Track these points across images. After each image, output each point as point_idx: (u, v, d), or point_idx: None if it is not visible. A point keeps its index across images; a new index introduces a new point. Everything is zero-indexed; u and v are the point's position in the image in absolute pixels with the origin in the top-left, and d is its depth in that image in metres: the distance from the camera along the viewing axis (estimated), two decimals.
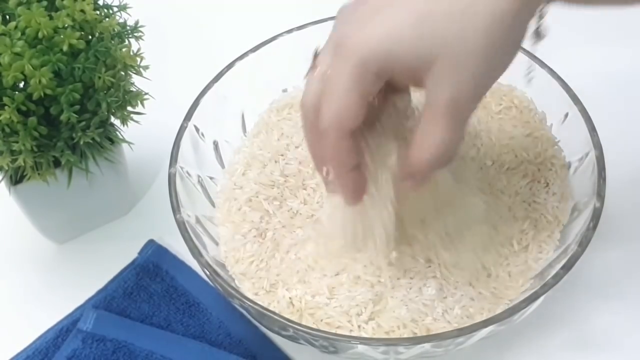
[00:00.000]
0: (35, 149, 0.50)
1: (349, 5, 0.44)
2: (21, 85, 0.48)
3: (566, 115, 0.56)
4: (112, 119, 0.55)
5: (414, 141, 0.43)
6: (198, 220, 0.54)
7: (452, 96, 0.41)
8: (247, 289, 0.52)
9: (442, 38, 0.40)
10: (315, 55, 0.46)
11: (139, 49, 0.53)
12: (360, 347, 0.46)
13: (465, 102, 0.42)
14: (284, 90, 0.64)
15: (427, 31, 0.40)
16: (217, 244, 0.55)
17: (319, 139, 0.45)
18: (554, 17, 0.45)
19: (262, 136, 0.61)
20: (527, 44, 0.45)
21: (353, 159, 0.45)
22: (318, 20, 0.62)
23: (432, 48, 0.40)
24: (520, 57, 0.54)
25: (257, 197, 0.57)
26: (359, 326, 0.49)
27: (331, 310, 0.50)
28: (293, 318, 0.50)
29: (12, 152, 0.50)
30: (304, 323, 0.48)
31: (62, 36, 0.48)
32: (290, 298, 0.51)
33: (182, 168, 0.54)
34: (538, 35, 0.45)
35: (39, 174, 0.52)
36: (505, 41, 0.41)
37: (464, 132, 0.44)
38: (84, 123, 0.51)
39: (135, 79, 0.53)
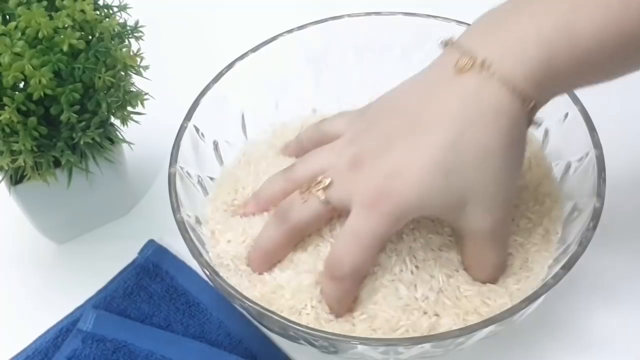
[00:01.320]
0: (35, 149, 0.50)
1: (360, 120, 0.51)
2: (21, 85, 0.48)
3: (566, 115, 0.56)
4: (112, 119, 0.55)
5: (471, 264, 0.50)
6: (198, 220, 0.54)
7: (489, 226, 0.48)
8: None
9: (467, 187, 0.46)
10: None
11: (139, 49, 0.53)
12: (360, 348, 0.46)
13: (502, 224, 0.49)
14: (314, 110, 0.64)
15: (453, 183, 0.46)
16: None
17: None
18: None
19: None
20: None
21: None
22: (318, 20, 0.62)
23: (460, 196, 0.46)
24: None
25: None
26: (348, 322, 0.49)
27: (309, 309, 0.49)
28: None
29: (12, 152, 0.50)
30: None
31: (62, 36, 0.48)
32: (267, 292, 0.50)
33: (182, 168, 0.54)
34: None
35: (39, 174, 0.52)
36: (515, 162, 0.48)
37: (508, 245, 0.51)
38: (84, 123, 0.51)
39: (135, 79, 0.53)
